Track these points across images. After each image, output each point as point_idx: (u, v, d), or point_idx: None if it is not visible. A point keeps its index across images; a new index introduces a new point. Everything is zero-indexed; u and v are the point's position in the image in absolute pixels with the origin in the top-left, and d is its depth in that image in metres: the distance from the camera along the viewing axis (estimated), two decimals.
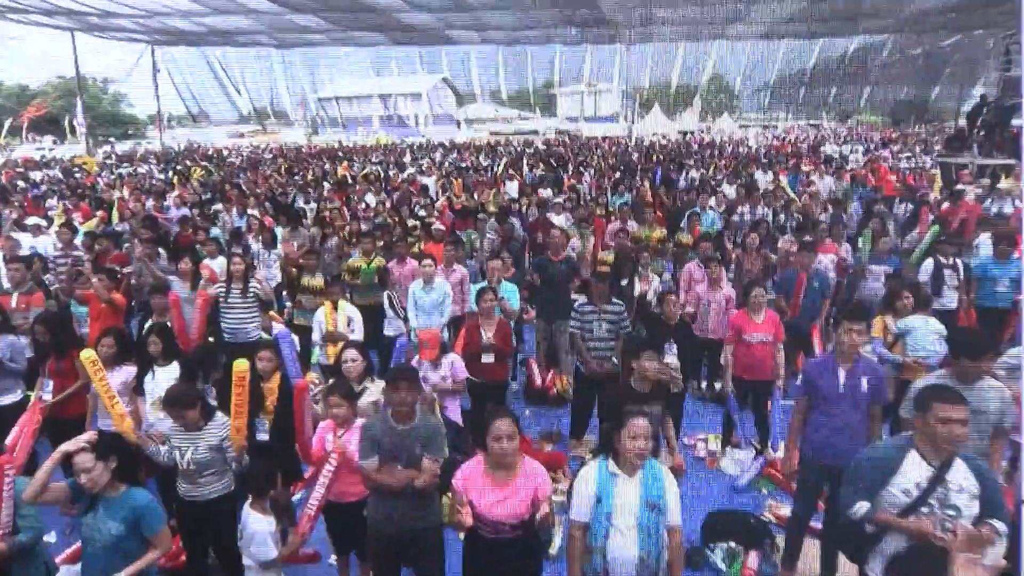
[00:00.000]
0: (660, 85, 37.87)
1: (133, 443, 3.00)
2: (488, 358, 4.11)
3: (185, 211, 9.14)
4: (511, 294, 4.79)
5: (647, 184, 10.09)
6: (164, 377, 3.48)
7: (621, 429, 2.25)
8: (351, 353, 3.32)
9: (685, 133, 32.50)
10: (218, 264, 5.81)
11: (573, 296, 5.20)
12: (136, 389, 3.55)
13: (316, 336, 4.56)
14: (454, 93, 46.43)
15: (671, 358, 3.58)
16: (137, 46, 29.11)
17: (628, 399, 2.97)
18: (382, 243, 6.09)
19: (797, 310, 4.89)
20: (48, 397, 3.66)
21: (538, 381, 5.19)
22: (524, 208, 8.33)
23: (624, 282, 5.16)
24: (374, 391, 3.25)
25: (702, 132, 33.05)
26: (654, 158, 16.86)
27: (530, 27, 25.47)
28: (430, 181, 12.31)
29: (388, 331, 5.05)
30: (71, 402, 3.80)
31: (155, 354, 3.57)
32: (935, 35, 27.31)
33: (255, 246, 6.85)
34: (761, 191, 8.48)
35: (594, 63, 39.79)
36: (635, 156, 18.99)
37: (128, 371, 3.57)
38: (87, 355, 3.20)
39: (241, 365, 3.02)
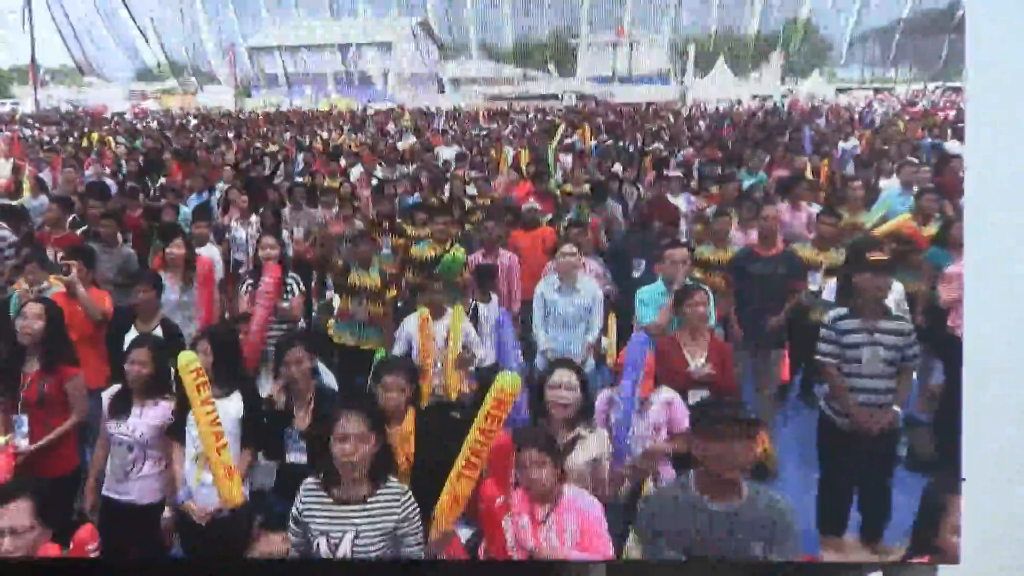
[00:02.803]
0: (725, 33, 38.47)
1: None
2: (698, 398, 3.79)
3: (109, 182, 9.13)
4: (650, 301, 4.61)
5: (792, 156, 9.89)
6: (222, 415, 3.26)
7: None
8: (565, 376, 3.12)
9: (764, 98, 32.78)
10: (209, 253, 5.74)
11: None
12: (172, 432, 3.44)
13: (399, 350, 4.45)
14: (437, 44, 46.82)
15: None
16: None
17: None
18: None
19: None
20: (23, 443, 3.53)
21: None
22: (620, 186, 8.18)
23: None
24: (592, 443, 3.05)
25: (787, 97, 33.38)
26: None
27: None
28: (450, 153, 12.40)
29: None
30: (59, 450, 3.62)
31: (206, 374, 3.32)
32: None
33: (240, 231, 6.85)
34: None
35: (635, 4, 40.38)
36: (703, 125, 19.24)
37: (164, 408, 3.47)
38: (188, 360, 2.88)
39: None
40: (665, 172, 8.79)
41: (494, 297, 5.15)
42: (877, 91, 35.34)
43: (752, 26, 37.26)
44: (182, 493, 3.32)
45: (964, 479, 2.91)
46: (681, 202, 7.56)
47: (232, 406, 3.40)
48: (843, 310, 3.91)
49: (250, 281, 4.85)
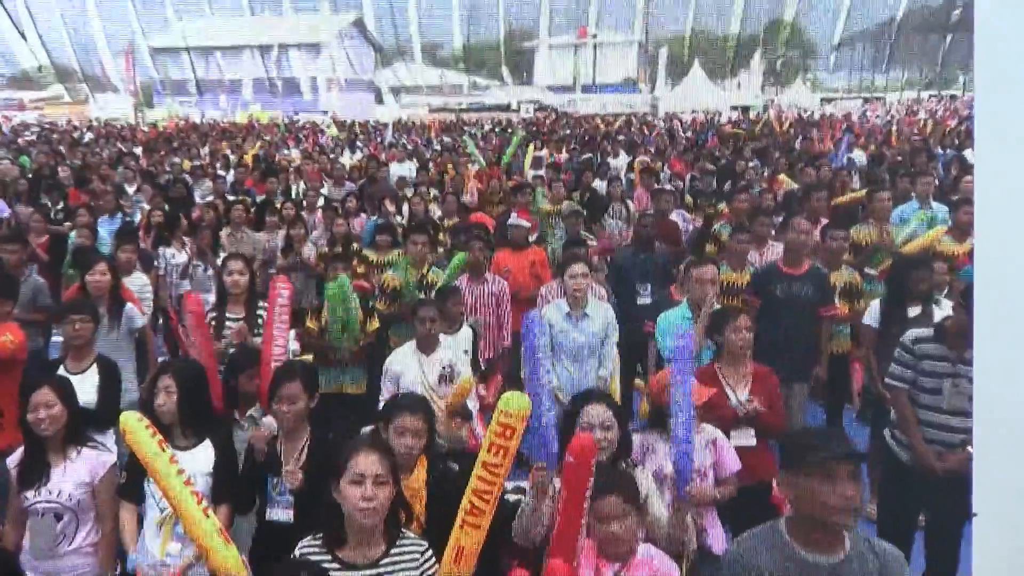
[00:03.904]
0: (701, 36, 39.80)
1: None
2: (744, 438, 3.84)
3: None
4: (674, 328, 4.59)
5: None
6: (190, 470, 3.08)
7: None
8: (598, 413, 3.09)
9: (745, 108, 33.91)
10: (137, 284, 5.77)
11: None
12: (126, 492, 3.30)
13: (387, 393, 4.39)
14: (374, 47, 47.23)
15: None
16: None
17: None
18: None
19: None
20: None
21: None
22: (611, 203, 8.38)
23: (915, 308, 4.86)
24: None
25: (770, 106, 34.60)
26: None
27: None
28: (403, 169, 12.66)
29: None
30: None
31: (168, 423, 3.27)
32: None
33: (172, 256, 6.96)
34: None
35: (600, 2, 41.55)
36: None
37: (92, 457, 3.33)
38: (130, 420, 2.73)
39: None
40: (656, 186, 8.98)
41: (465, 328, 5.11)
42: (867, 100, 36.97)
43: (732, 27, 38.66)
44: (139, 559, 3.16)
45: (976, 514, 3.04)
46: (675, 219, 7.70)
47: (201, 457, 3.27)
48: (924, 331, 3.91)
49: (216, 313, 4.80)
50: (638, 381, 6.40)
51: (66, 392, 3.29)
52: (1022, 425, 2.93)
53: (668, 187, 9.05)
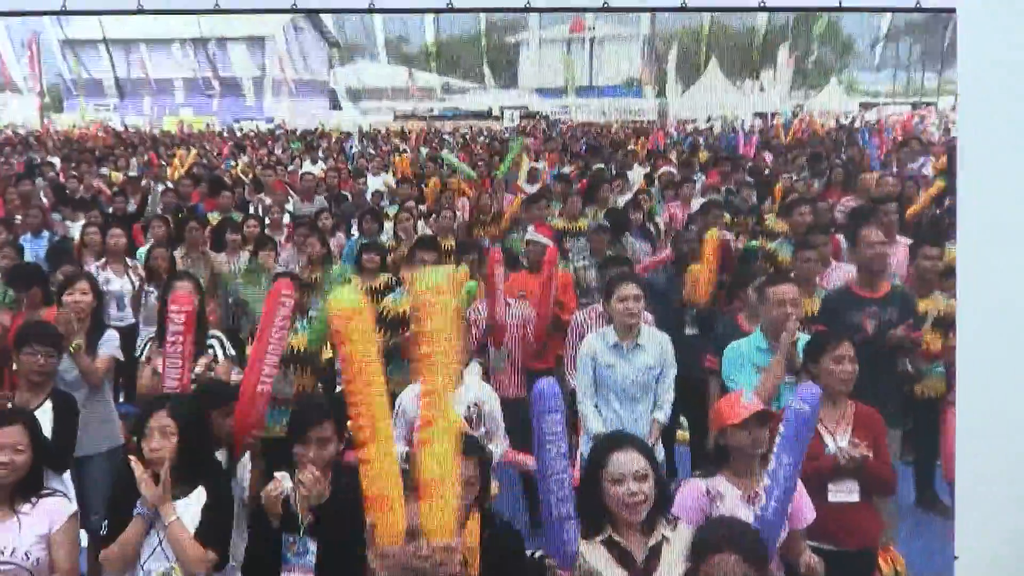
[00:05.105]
0: (719, 30, 40.28)
1: None
2: (845, 492, 3.88)
3: None
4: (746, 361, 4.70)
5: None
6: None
7: None
8: (631, 461, 3.06)
9: (771, 115, 34.43)
10: None
11: None
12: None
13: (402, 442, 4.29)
14: (328, 42, 47.53)
15: None
16: None
17: None
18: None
19: None
20: None
21: None
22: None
23: None
24: (678, 546, 3.02)
25: (799, 111, 35.17)
26: None
27: None
28: (379, 182, 12.87)
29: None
30: None
31: (155, 465, 3.30)
32: None
33: (107, 282, 6.91)
34: None
35: None
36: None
37: (54, 505, 3.39)
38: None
39: None
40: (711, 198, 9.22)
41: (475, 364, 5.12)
42: (915, 106, 37.48)
43: (757, 19, 38.99)
44: None
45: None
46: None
47: (196, 509, 3.32)
48: None
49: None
50: (681, 433, 6.41)
51: (36, 434, 3.28)
52: None
53: (716, 197, 9.16)
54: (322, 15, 44.24)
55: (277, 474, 3.38)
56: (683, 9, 4.93)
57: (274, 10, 7.23)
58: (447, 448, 2.74)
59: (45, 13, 5.23)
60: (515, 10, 5.35)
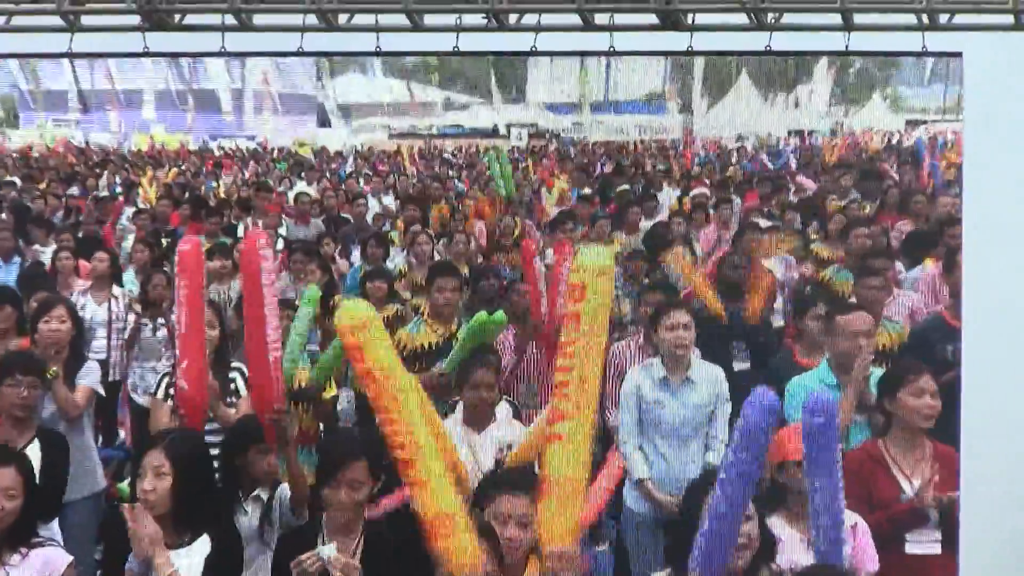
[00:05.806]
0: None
1: None
2: (925, 543, 3.87)
3: None
4: None
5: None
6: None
7: None
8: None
9: (808, 133, 34.61)
10: None
11: None
12: None
13: None
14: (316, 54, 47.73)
15: None
16: None
17: None
18: None
19: None
20: None
21: None
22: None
23: None
24: None
25: (839, 129, 35.39)
26: None
27: None
28: (375, 203, 13.55)
29: None
30: None
31: (157, 515, 3.27)
32: None
33: (83, 308, 6.91)
34: None
35: None
36: None
37: (47, 556, 3.35)
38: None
39: None
40: (752, 220, 9.31)
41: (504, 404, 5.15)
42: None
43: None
44: None
45: None
46: (776, 266, 7.78)
47: (198, 561, 3.33)
48: None
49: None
50: None
51: (29, 477, 3.26)
52: None
53: (763, 222, 9.18)
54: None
55: (324, 548, 3.35)
56: (688, 53, 5.26)
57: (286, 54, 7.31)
58: (581, 446, 2.81)
59: (54, 56, 5.35)
60: (522, 53, 5.62)
